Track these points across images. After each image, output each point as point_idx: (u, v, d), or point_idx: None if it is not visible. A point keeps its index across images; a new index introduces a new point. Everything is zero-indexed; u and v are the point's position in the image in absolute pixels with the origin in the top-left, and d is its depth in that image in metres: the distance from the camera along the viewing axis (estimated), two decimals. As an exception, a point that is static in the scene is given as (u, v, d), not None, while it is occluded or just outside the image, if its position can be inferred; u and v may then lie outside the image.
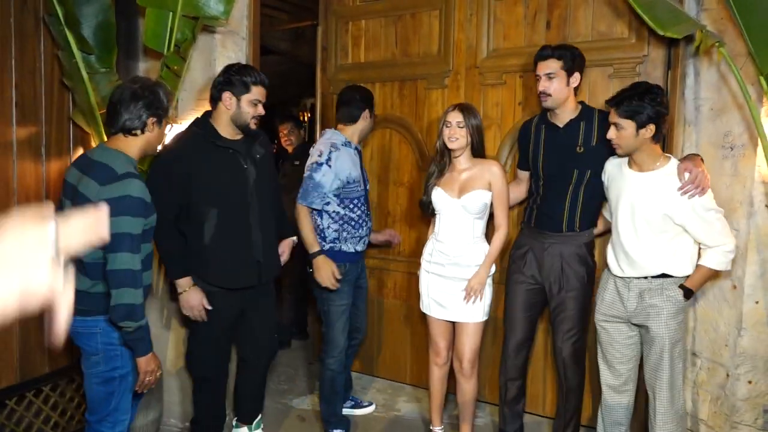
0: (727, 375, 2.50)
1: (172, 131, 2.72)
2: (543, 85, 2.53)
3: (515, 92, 3.14)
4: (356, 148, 2.92)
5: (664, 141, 2.57)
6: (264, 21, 6.32)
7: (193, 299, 2.43)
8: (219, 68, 2.86)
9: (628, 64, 2.81)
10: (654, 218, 2.30)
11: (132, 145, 2.03)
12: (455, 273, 2.59)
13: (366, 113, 2.93)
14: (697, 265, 2.33)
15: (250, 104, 2.40)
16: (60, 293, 0.62)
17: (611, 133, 2.33)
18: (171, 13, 2.59)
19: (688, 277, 2.35)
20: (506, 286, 2.80)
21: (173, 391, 2.99)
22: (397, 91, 3.49)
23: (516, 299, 2.73)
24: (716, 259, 2.28)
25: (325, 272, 2.75)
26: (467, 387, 2.67)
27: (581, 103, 2.67)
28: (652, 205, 2.30)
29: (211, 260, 2.45)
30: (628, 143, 2.30)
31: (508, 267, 2.82)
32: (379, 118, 3.50)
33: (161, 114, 2.06)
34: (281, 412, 3.24)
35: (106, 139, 2.59)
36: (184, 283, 2.42)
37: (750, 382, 2.46)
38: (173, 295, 2.85)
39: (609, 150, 2.51)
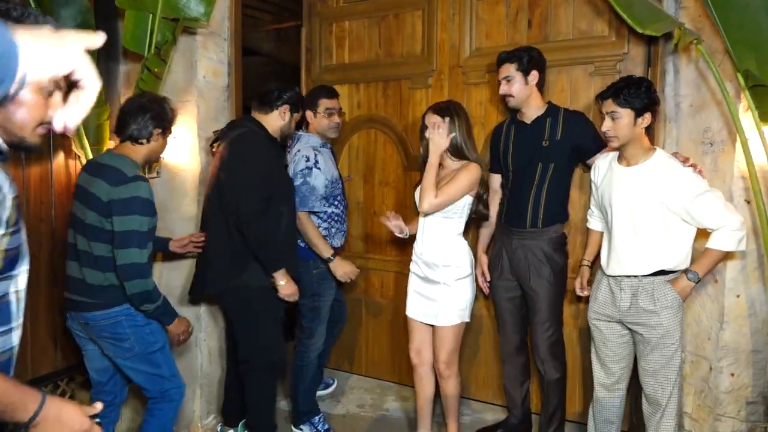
0: (710, 368, 2.53)
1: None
2: (503, 89, 2.69)
3: (498, 91, 3.13)
4: (330, 147, 3.06)
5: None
6: (246, 22, 6.28)
7: (293, 285, 2.59)
8: (201, 70, 2.86)
9: (609, 61, 2.84)
10: (652, 210, 2.28)
11: (138, 152, 2.22)
12: (427, 273, 2.58)
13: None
14: (705, 249, 2.27)
15: (294, 122, 2.75)
16: (93, 76, 0.70)
17: (607, 124, 2.30)
18: (151, 14, 2.58)
19: (682, 270, 2.32)
20: (490, 285, 2.89)
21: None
22: (381, 92, 3.50)
23: (498, 296, 2.84)
24: (723, 240, 2.22)
25: (347, 268, 2.92)
26: (445, 387, 2.66)
27: (549, 102, 2.76)
28: (647, 197, 2.28)
29: (291, 253, 2.65)
30: (625, 133, 2.28)
31: (489, 265, 2.88)
32: (364, 119, 3.54)
33: (166, 126, 2.27)
34: (269, 415, 3.22)
35: (86, 142, 2.59)
36: (285, 272, 2.54)
37: (732, 375, 2.49)
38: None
39: (573, 145, 2.63)
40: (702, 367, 2.57)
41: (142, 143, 2.21)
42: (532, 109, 2.71)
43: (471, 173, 2.49)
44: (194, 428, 2.97)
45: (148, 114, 2.19)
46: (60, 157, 2.73)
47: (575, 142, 2.63)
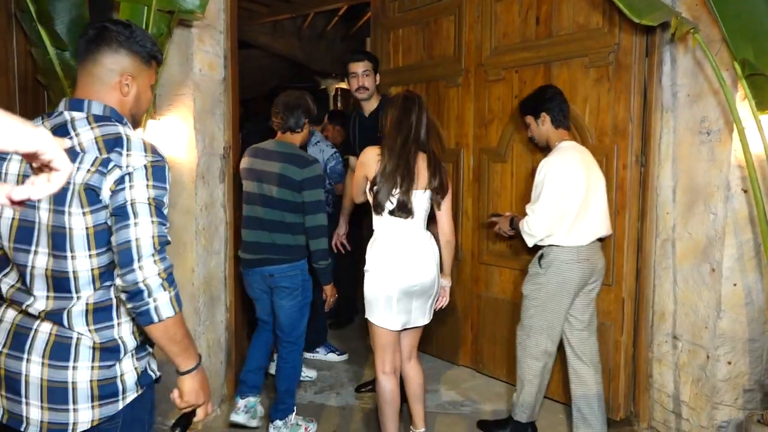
0: (708, 357, 2.54)
1: (153, 127, 2.70)
2: (361, 81, 3.08)
3: (512, 86, 3.28)
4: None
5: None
6: (243, 14, 6.25)
7: None
8: (197, 63, 2.84)
9: (602, 53, 2.84)
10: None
11: (295, 140, 2.82)
12: None
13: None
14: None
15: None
16: (64, 159, 0.72)
17: (528, 133, 2.81)
18: (146, 7, 2.54)
19: (548, 246, 2.63)
20: None
21: (157, 388, 2.96)
22: (424, 91, 3.74)
23: None
24: (523, 222, 2.64)
25: None
26: None
27: (382, 95, 3.19)
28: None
29: None
30: (536, 134, 2.75)
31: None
32: None
33: (312, 117, 2.84)
34: (268, 407, 3.23)
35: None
36: None
37: (729, 363, 2.50)
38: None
39: None
40: (699, 355, 2.58)
41: (297, 132, 2.80)
42: (371, 104, 3.14)
43: (358, 159, 2.55)
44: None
45: (299, 109, 2.77)
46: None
47: None
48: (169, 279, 1.30)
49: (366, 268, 2.47)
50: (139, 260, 1.25)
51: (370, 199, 2.44)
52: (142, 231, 1.26)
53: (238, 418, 2.88)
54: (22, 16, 2.44)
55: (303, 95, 2.84)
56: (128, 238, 1.25)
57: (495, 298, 3.46)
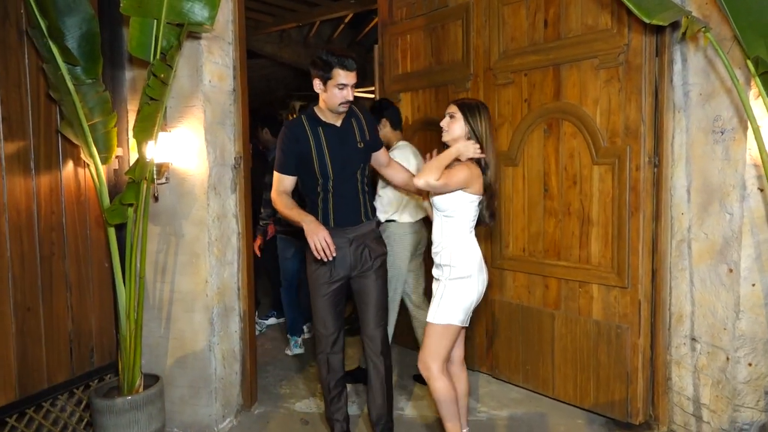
0: (727, 358, 2.51)
1: (164, 139, 2.71)
2: (350, 94, 2.56)
3: (522, 89, 3.28)
4: None
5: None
6: (249, 24, 6.29)
7: None
8: (206, 74, 2.86)
9: (611, 54, 2.83)
10: None
11: None
12: (435, 272, 2.54)
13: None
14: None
15: None
16: None
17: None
18: (155, 20, 2.56)
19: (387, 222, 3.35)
20: (310, 288, 2.74)
21: (174, 400, 2.97)
22: (433, 96, 3.80)
23: (322, 300, 2.70)
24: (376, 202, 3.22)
25: None
26: (430, 387, 2.50)
27: None
28: None
29: None
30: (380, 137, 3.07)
31: (309, 270, 2.72)
32: (422, 121, 3.97)
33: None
34: (284, 416, 3.23)
35: (95, 150, 2.60)
36: None
37: (750, 365, 2.47)
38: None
39: (373, 143, 2.76)
40: (719, 357, 2.55)
41: None
42: (343, 113, 2.66)
43: (467, 169, 2.38)
44: (210, 432, 2.97)
45: None
46: (69, 166, 2.73)
47: (373, 139, 2.77)
48: None
49: (462, 275, 2.43)
50: None
51: (467, 211, 2.43)
52: None
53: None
54: (33, 32, 2.45)
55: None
56: None
57: (509, 303, 3.44)
